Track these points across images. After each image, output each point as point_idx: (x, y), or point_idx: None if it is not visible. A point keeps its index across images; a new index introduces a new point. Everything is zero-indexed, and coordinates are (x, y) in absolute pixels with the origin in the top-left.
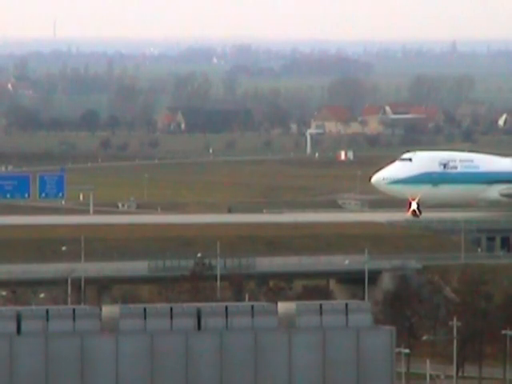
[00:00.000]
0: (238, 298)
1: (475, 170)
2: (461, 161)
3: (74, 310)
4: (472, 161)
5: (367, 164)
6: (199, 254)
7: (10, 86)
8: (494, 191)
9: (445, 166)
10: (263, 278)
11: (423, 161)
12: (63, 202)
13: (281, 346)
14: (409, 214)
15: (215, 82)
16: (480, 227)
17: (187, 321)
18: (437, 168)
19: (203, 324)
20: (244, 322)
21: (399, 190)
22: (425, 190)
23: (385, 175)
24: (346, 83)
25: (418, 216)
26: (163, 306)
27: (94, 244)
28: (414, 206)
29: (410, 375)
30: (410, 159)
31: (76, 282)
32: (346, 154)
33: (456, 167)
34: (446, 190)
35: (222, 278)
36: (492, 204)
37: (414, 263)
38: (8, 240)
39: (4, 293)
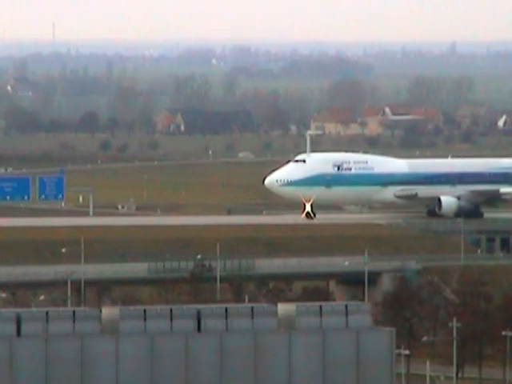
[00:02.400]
0: (238, 299)
1: (369, 172)
2: (355, 162)
3: (73, 311)
4: (366, 162)
5: None
6: (199, 256)
7: (9, 87)
8: (389, 193)
9: (339, 167)
10: (263, 280)
11: (317, 162)
12: (63, 204)
13: (281, 348)
14: (303, 217)
15: (215, 84)
16: (480, 228)
17: (187, 322)
18: (331, 169)
19: (203, 325)
20: (244, 323)
21: (293, 192)
22: (318, 192)
23: (278, 177)
24: (345, 84)
25: (312, 218)
26: (163, 308)
27: (94, 246)
28: (307, 208)
29: (410, 376)
30: (304, 161)
31: (76, 284)
32: None
33: (350, 169)
34: (339, 192)
35: (222, 279)
36: (387, 206)
37: (413, 264)
38: (7, 242)
39: (4, 295)
